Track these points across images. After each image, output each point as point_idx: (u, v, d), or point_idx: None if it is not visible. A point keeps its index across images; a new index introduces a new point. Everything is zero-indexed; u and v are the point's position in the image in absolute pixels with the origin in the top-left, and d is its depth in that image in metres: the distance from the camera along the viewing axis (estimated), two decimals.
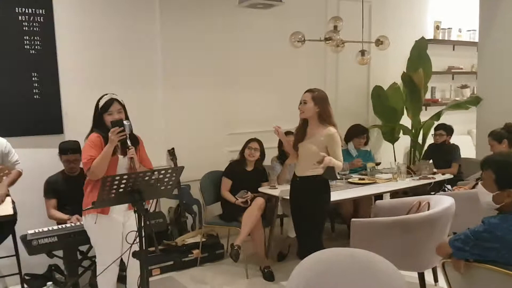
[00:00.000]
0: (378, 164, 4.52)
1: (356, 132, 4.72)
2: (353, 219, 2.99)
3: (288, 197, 3.36)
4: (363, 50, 4.32)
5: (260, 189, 3.95)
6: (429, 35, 6.11)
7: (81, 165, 3.46)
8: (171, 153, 4.43)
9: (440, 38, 6.26)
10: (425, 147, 5.38)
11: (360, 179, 4.16)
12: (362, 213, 4.24)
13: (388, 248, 2.73)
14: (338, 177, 2.98)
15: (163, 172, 2.34)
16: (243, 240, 3.62)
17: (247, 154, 4.03)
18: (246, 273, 3.74)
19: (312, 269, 1.62)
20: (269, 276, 3.66)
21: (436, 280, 3.43)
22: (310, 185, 3.11)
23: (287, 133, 4.16)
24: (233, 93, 4.77)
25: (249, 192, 3.90)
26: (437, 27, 6.22)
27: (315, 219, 3.13)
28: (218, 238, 4.25)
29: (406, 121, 5.58)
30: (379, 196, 4.20)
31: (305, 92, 3.12)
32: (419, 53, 5.43)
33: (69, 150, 3.44)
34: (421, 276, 3.08)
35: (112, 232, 2.71)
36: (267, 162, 4.29)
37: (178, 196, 4.29)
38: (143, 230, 2.31)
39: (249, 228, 3.66)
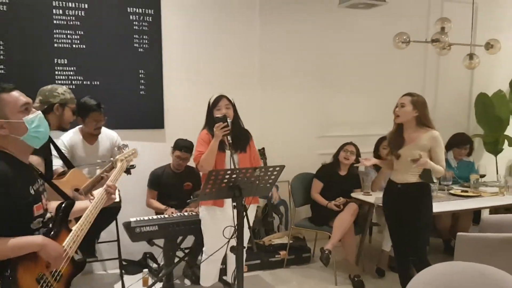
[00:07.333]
0: (483, 176, 4.18)
1: (458, 142, 4.41)
2: (459, 233, 2.74)
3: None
4: (471, 53, 4.03)
5: (353, 195, 3.83)
6: None
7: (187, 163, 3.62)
8: (262, 153, 4.44)
9: None
10: None
11: (463, 191, 3.89)
12: (461, 227, 3.96)
13: (501, 268, 2.48)
14: (435, 181, 2.83)
15: (264, 170, 2.35)
16: (334, 245, 3.54)
17: (342, 157, 3.91)
18: (335, 279, 3.63)
19: (432, 284, 1.49)
20: (359, 285, 3.52)
21: None
22: (413, 192, 2.96)
23: (383, 138, 4.00)
24: (326, 95, 4.69)
25: (341, 197, 3.80)
26: None
27: (420, 229, 2.95)
28: (305, 241, 4.19)
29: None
30: (478, 212, 3.92)
31: (403, 96, 3.01)
32: None
33: (183, 147, 3.53)
34: None
35: (222, 225, 2.68)
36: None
37: (266, 196, 4.29)
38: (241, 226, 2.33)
39: (341, 234, 3.55)
